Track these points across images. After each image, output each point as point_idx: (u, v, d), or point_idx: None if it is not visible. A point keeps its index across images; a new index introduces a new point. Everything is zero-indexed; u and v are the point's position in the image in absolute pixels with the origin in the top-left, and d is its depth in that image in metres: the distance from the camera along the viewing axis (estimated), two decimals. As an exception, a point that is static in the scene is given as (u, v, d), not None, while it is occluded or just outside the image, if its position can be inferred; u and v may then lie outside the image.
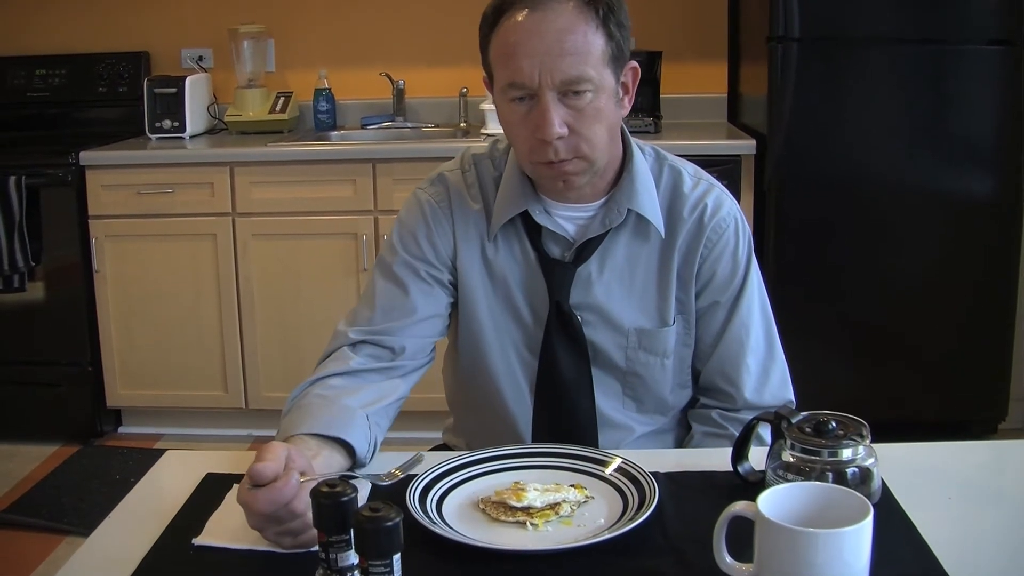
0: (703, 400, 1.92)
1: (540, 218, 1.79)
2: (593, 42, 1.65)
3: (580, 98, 1.66)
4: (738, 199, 3.56)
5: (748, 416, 1.83)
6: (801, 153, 3.78)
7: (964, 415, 4.00)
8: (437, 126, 4.43)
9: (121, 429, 4.24)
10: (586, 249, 1.80)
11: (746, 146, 3.78)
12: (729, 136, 4.01)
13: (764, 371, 1.88)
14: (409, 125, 4.41)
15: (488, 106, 4.02)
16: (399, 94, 4.40)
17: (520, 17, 1.65)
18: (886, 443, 1.65)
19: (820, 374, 3.86)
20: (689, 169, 1.89)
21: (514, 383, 1.87)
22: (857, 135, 3.77)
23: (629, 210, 1.79)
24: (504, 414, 1.88)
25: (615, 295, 1.82)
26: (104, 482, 3.70)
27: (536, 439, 1.85)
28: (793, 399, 1.90)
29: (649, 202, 1.81)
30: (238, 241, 3.90)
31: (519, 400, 1.87)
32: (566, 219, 1.81)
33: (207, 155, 3.91)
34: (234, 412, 4.09)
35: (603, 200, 1.81)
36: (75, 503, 3.55)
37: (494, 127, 4.00)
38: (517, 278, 1.83)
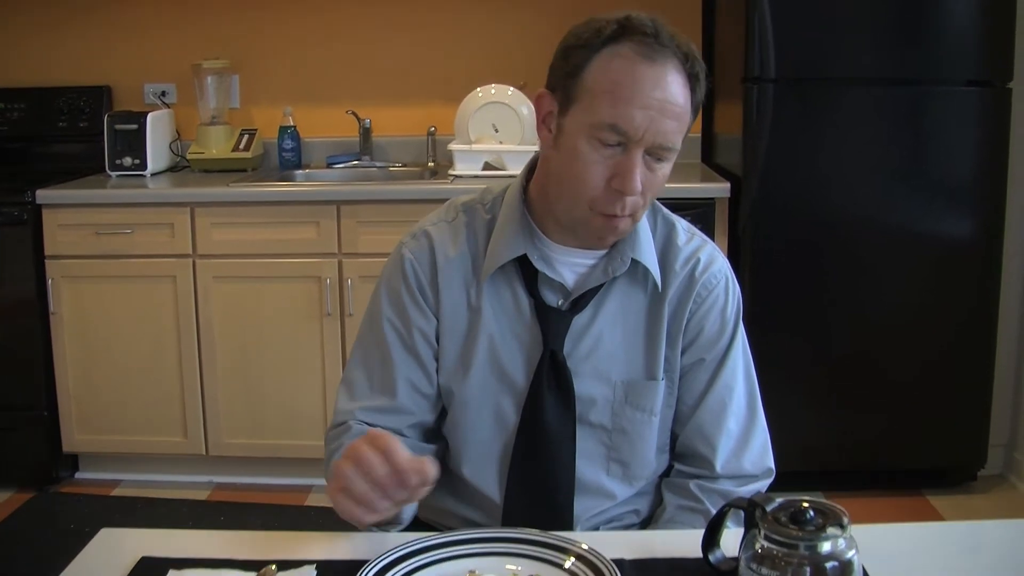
0: (678, 467, 1.84)
1: (539, 263, 1.71)
2: (688, 114, 1.62)
3: (659, 164, 1.62)
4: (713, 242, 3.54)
5: (727, 486, 1.77)
6: (777, 195, 3.71)
7: (943, 461, 3.92)
8: (404, 165, 4.34)
9: (78, 475, 4.11)
10: (583, 297, 1.73)
11: (720, 189, 3.70)
12: (704, 178, 3.92)
13: (745, 436, 1.80)
14: (376, 164, 4.31)
15: (457, 147, 3.93)
16: (365, 133, 4.31)
17: (636, 58, 1.57)
18: (864, 525, 1.55)
19: (797, 420, 3.80)
20: (683, 223, 1.83)
21: (489, 438, 1.78)
22: (834, 177, 3.70)
23: (632, 259, 1.73)
24: (473, 473, 1.79)
25: (605, 346, 1.75)
26: (58, 531, 3.57)
27: (507, 503, 1.76)
28: (773, 467, 1.83)
29: (649, 252, 1.75)
30: (199, 283, 3.79)
31: (491, 457, 1.78)
32: (565, 265, 1.74)
33: (167, 195, 3.79)
34: (194, 458, 3.97)
35: (605, 249, 1.74)
36: (27, 552, 3.42)
37: (463, 167, 3.91)
38: (506, 325, 1.75)
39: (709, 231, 3.67)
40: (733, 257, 3.75)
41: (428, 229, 1.78)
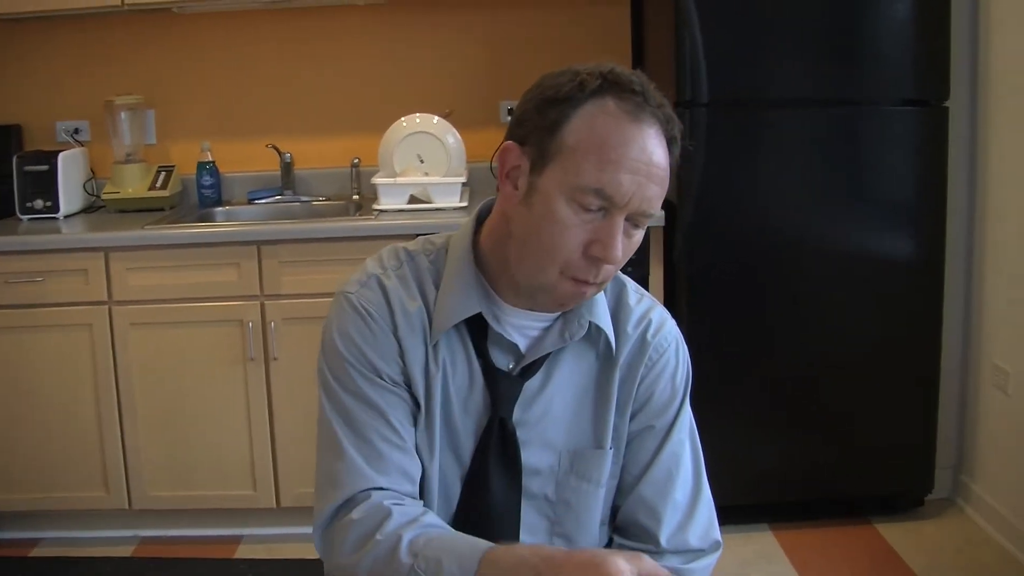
0: (619, 541, 1.71)
1: (494, 324, 1.58)
2: (667, 180, 1.50)
3: (636, 230, 1.50)
4: (647, 273, 3.44)
5: (674, 563, 1.64)
6: (713, 221, 3.61)
7: (890, 488, 3.84)
8: (328, 199, 4.19)
9: (-5, 535, 3.93)
10: (537, 361, 1.60)
11: (655, 218, 3.58)
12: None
13: (691, 507, 1.69)
14: (299, 199, 4.17)
15: (381, 181, 3.79)
16: (287, 167, 4.15)
17: (622, 117, 1.45)
18: None
19: (739, 452, 3.71)
20: (631, 282, 1.71)
21: (436, 509, 1.64)
22: (772, 201, 3.62)
23: (590, 323, 1.61)
24: None
25: (554, 412, 1.63)
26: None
27: None
28: (720, 540, 1.71)
29: (604, 314, 1.63)
30: (116, 331, 3.62)
31: None
32: (516, 327, 1.60)
33: (79, 240, 3.61)
34: (117, 513, 3.80)
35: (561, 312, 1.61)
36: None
37: (387, 202, 3.77)
38: (459, 390, 1.61)
39: (644, 259, 3.57)
40: (669, 285, 3.66)
41: (378, 276, 1.61)
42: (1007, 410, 3.61)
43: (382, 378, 1.57)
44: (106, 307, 3.61)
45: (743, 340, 3.69)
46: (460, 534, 1.49)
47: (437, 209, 3.74)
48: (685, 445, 1.70)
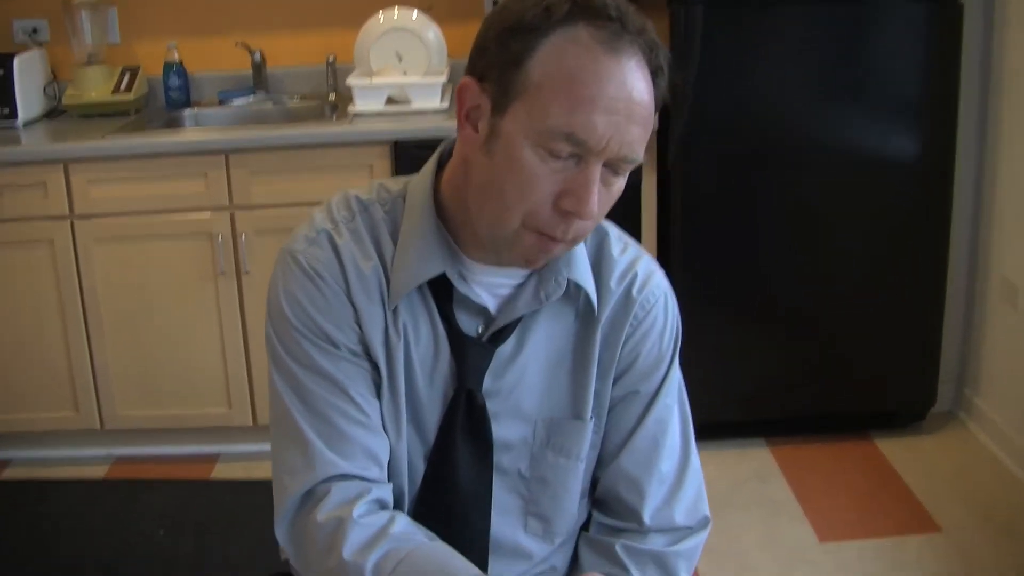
0: (600, 518, 1.56)
1: (460, 284, 1.40)
2: (652, 119, 1.28)
3: (616, 178, 1.30)
4: (639, 182, 3.25)
5: (658, 544, 1.49)
6: (709, 125, 3.39)
7: (891, 403, 3.70)
8: (303, 98, 3.96)
9: (-36, 457, 3.81)
10: (510, 324, 1.42)
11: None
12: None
13: (678, 479, 1.53)
14: (271, 99, 3.94)
15: (356, 82, 3.57)
16: (258, 66, 3.91)
17: (596, 48, 1.23)
18: None
19: (736, 367, 3.57)
20: (614, 229, 1.51)
21: (398, 495, 1.47)
22: (772, 103, 3.39)
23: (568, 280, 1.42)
24: None
25: (528, 380, 1.45)
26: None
27: None
28: (709, 515, 1.56)
29: (585, 270, 1.44)
30: (79, 247, 3.44)
31: None
32: (486, 287, 1.42)
33: (36, 153, 3.40)
34: (89, 433, 3.67)
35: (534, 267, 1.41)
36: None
37: (364, 104, 3.56)
38: (421, 358, 1.42)
39: (637, 169, 3.36)
40: (663, 197, 3.47)
41: (328, 232, 1.42)
42: (1015, 325, 3.45)
43: (337, 347, 1.39)
44: (67, 221, 3.42)
45: (740, 252, 3.51)
46: (434, 554, 1.32)
47: (417, 112, 3.53)
48: (673, 411, 1.53)
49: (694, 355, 3.50)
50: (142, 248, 3.45)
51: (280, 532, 1.40)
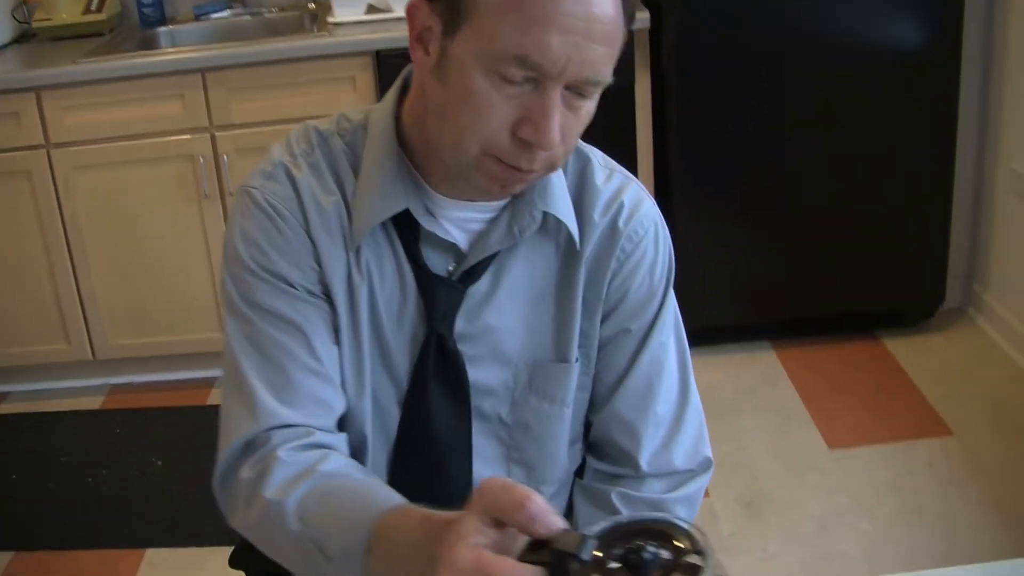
0: (594, 464, 1.47)
1: (425, 220, 1.28)
2: (620, 32, 1.15)
3: (583, 101, 1.17)
4: (632, 82, 3.12)
5: (656, 491, 1.40)
6: (705, 20, 3.25)
7: (900, 301, 3.62)
8: (282, 10, 3.80)
9: (-39, 392, 3.76)
10: (483, 262, 1.31)
11: (638, 19, 3.23)
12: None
13: (676, 422, 1.43)
14: (249, 11, 3.78)
15: (336, -10, 3.42)
16: (234, -24, 3.76)
17: None
18: None
19: (741, 269, 3.50)
20: (597, 154, 1.39)
21: (371, 445, 1.37)
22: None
23: (544, 213, 1.31)
24: None
25: (507, 322, 1.35)
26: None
27: None
28: (710, 456, 1.46)
29: (564, 202, 1.32)
30: (57, 176, 3.33)
31: (373, 467, 1.38)
32: (454, 223, 1.31)
33: (6, 81, 3.27)
34: (82, 364, 3.60)
35: (509, 199, 1.30)
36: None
37: (343, 13, 3.42)
38: (390, 300, 1.32)
39: (629, 69, 3.24)
40: (657, 96, 3.34)
41: (285, 165, 1.31)
42: (1025, 218, 3.35)
43: (295, 287, 1.28)
44: (44, 151, 3.31)
45: (741, 151, 3.38)
46: (360, 486, 1.18)
47: (399, 19, 3.38)
48: (668, 348, 1.42)
49: (697, 258, 3.49)
50: (122, 174, 3.35)
51: (215, 486, 1.29)
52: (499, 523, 0.89)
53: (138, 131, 3.30)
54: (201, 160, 3.30)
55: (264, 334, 1.27)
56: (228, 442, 1.26)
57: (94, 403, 3.60)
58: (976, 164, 3.59)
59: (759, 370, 3.49)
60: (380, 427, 1.36)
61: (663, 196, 3.44)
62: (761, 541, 2.75)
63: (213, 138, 3.30)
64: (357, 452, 1.35)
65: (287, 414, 1.24)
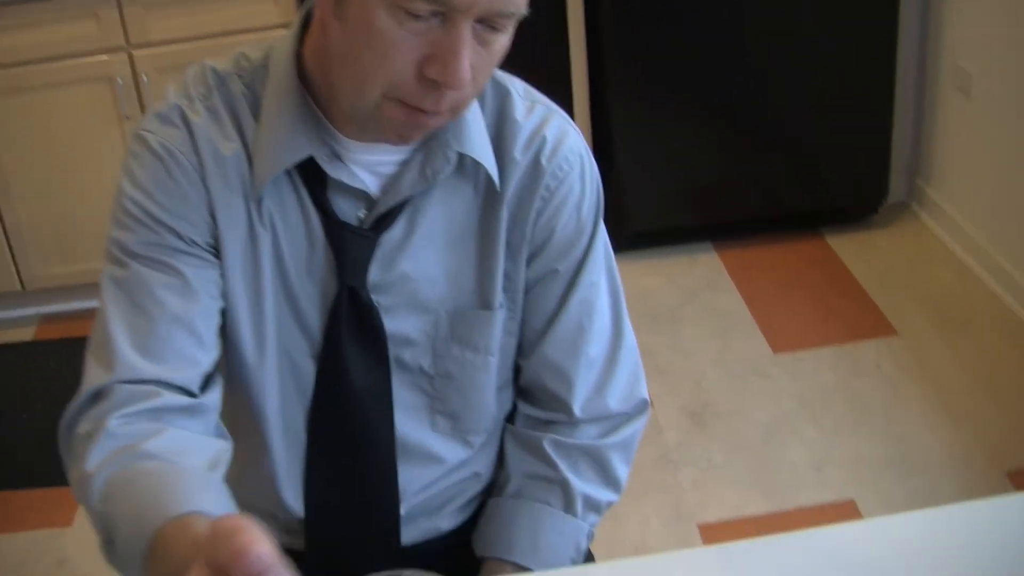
0: (525, 410, 1.42)
1: (330, 167, 1.19)
2: None
3: (495, 36, 1.09)
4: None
5: (591, 437, 1.37)
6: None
7: (843, 198, 3.59)
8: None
9: None
10: (396, 207, 1.23)
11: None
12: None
13: (609, 362, 1.38)
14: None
15: None
16: None
17: None
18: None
19: (682, 171, 3.45)
20: (517, 86, 1.30)
21: (283, 408, 1.30)
22: None
23: (459, 154, 1.22)
24: (265, 451, 1.31)
25: (424, 269, 1.27)
26: None
27: (310, 485, 1.33)
28: (647, 397, 1.42)
29: (481, 141, 1.24)
30: (-32, 103, 3.20)
31: (290, 431, 1.31)
32: (365, 166, 1.21)
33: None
34: (11, 295, 3.50)
35: (421, 140, 1.21)
36: None
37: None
38: (296, 252, 1.23)
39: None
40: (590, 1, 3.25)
41: (181, 109, 1.21)
42: (968, 113, 3.29)
43: (180, 238, 1.18)
44: (-48, 78, 3.17)
45: (678, 50, 3.30)
46: (167, 478, 1.04)
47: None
48: (599, 288, 1.36)
49: (635, 160, 3.42)
50: (39, 99, 3.21)
51: (60, 431, 1.18)
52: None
53: (54, 53, 3.15)
54: (120, 82, 3.17)
55: (136, 281, 1.16)
56: (81, 389, 1.16)
57: (26, 335, 3.50)
58: (919, 59, 3.53)
59: (701, 274, 3.45)
60: (295, 383, 1.29)
61: (598, 96, 3.36)
62: (706, 451, 2.75)
63: (131, 57, 3.16)
64: (257, 414, 1.29)
65: (144, 367, 1.13)
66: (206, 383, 1.19)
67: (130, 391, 1.12)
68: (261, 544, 0.76)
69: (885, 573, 1.17)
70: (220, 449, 1.15)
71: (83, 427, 1.12)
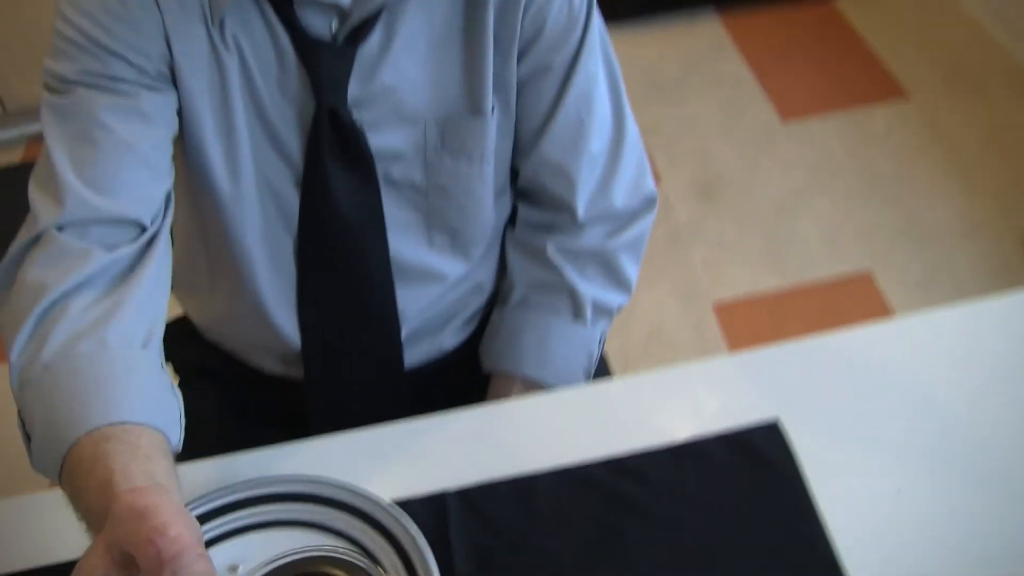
0: (526, 213, 1.35)
1: None
2: None
3: None
4: None
5: (596, 239, 1.31)
6: None
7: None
8: None
9: None
10: (371, 17, 1.12)
11: None
12: None
13: (613, 159, 1.30)
14: None
15: None
16: None
17: None
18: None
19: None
20: None
21: (267, 237, 1.23)
22: None
23: None
24: (252, 282, 1.25)
25: (408, 78, 1.17)
26: None
27: (304, 314, 1.27)
28: (654, 190, 1.34)
29: None
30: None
31: (277, 260, 1.24)
32: None
33: None
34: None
35: None
36: None
37: None
38: (263, 75, 1.13)
39: None
40: None
41: None
42: None
43: (132, 66, 1.07)
44: None
45: None
46: (89, 368, 0.95)
47: None
48: (597, 78, 1.27)
49: None
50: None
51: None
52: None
53: None
54: None
55: (80, 107, 1.06)
56: (23, 230, 1.05)
57: (14, 157, 3.42)
58: None
59: (704, 40, 3.31)
60: (278, 212, 1.21)
61: None
62: (718, 227, 2.69)
63: None
64: (238, 246, 1.21)
65: (94, 201, 1.04)
66: (157, 213, 1.09)
67: (73, 237, 1.03)
68: (172, 527, 0.72)
69: (915, 372, 1.13)
70: (155, 317, 1.05)
71: (22, 274, 1.03)
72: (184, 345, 1.44)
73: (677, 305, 2.51)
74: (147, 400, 0.94)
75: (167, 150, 1.11)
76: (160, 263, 1.07)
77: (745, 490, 1.03)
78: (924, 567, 0.96)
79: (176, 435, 0.96)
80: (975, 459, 1.04)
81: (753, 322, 2.45)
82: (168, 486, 0.85)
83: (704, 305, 2.51)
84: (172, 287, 1.18)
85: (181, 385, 1.47)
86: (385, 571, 0.96)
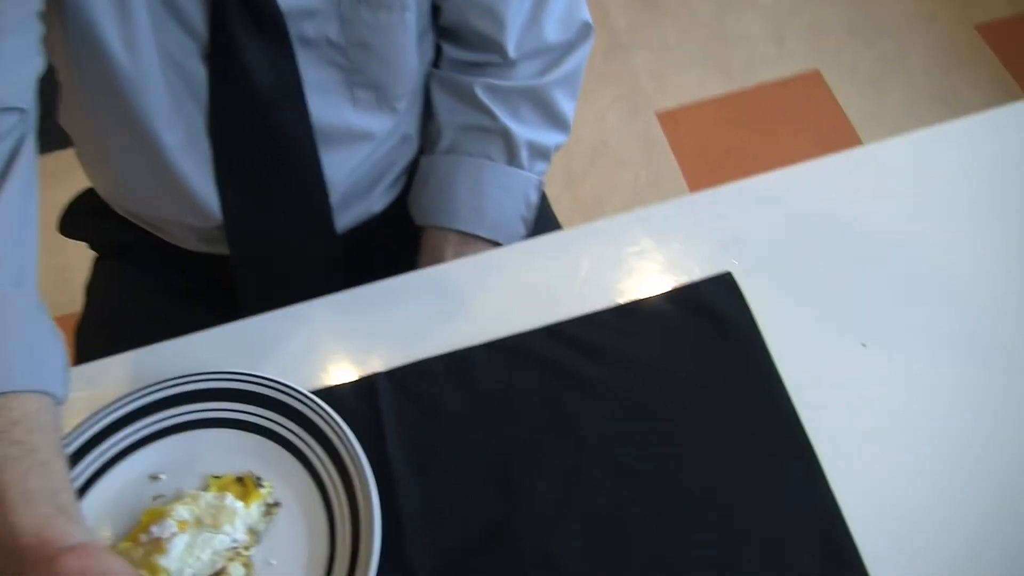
0: (453, 54, 1.23)
1: None
2: None
3: None
4: None
5: (528, 76, 1.21)
6: None
7: None
8: None
9: None
10: None
11: None
12: None
13: None
14: None
15: None
16: None
17: None
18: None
19: None
20: None
21: (178, 115, 1.09)
22: None
23: None
24: (165, 161, 1.12)
25: None
26: None
27: (225, 189, 1.15)
28: (589, 19, 1.22)
29: None
30: None
31: (191, 138, 1.11)
32: None
33: None
34: None
35: None
36: None
37: None
38: None
39: None
40: None
41: None
42: None
43: None
44: None
45: None
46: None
47: None
48: None
49: None
50: None
51: None
52: None
53: None
54: None
55: None
56: None
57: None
58: None
59: None
60: (188, 92, 1.09)
61: None
62: (659, 31, 2.57)
63: None
64: (145, 125, 1.08)
65: None
66: (30, 102, 0.97)
67: None
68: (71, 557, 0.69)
69: (888, 197, 1.05)
70: (26, 245, 0.92)
71: None
72: (98, 221, 1.33)
73: (620, 117, 2.41)
74: (32, 358, 0.84)
75: (34, 27, 0.96)
76: (26, 177, 0.94)
77: (698, 351, 0.95)
78: (890, 426, 0.90)
79: (63, 390, 0.86)
80: (948, 305, 0.97)
81: (700, 130, 2.36)
82: (66, 499, 0.78)
83: (647, 115, 2.41)
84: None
85: (98, 263, 1.38)
86: (315, 469, 0.90)
